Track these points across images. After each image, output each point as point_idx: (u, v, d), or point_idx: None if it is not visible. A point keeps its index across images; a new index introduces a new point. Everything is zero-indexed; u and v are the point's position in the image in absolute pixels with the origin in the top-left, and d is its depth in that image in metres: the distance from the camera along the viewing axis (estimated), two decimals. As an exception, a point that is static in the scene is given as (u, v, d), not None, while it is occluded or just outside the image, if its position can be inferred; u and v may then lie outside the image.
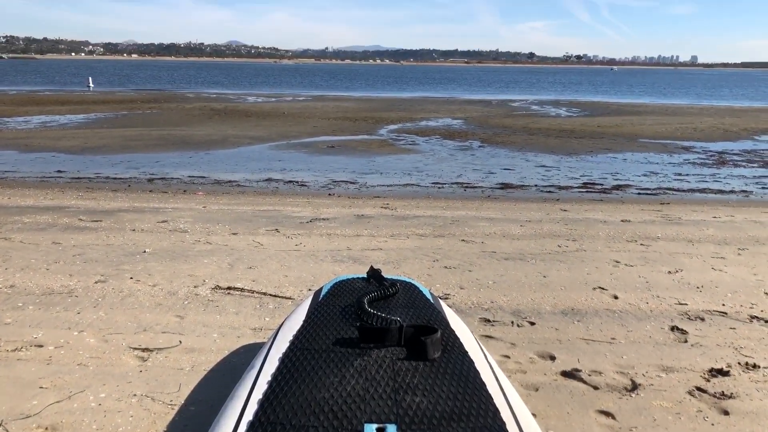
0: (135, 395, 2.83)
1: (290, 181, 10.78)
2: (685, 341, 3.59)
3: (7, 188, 9.40)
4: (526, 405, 1.49)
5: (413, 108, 28.54)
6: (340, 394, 1.42)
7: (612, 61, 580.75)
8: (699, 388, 3.00)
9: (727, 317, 3.99)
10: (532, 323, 3.83)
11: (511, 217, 7.46)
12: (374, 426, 1.27)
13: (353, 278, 2.42)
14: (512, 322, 3.84)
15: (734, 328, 3.79)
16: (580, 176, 11.71)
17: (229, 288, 4.38)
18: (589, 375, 3.13)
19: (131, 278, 4.56)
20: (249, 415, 1.34)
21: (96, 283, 4.43)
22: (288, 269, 4.89)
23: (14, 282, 4.42)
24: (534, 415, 2.17)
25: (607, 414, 2.75)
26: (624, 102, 37.29)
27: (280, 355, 1.71)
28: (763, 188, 10.92)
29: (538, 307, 4.14)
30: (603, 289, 4.53)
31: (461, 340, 1.83)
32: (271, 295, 4.26)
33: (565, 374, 3.14)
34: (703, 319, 3.93)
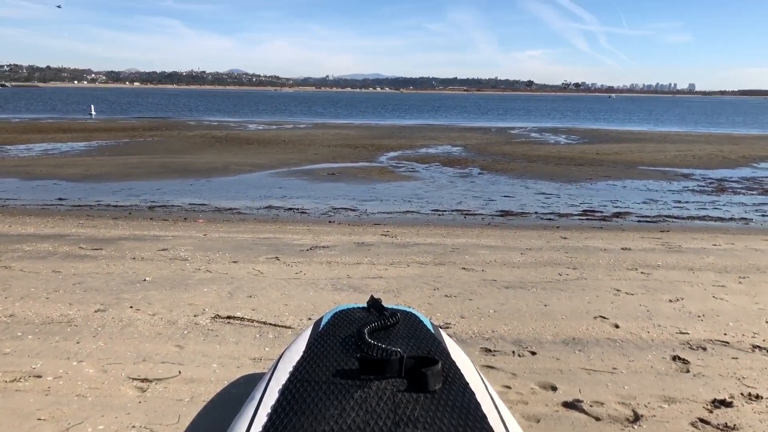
0: (134, 427, 2.80)
1: (291, 209, 10.81)
2: (687, 371, 3.57)
3: (8, 216, 9.42)
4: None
5: (413, 135, 28.72)
6: (340, 427, 1.41)
7: (610, 89, 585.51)
8: (702, 420, 2.98)
9: (729, 347, 3.97)
10: (533, 353, 3.82)
11: (511, 244, 7.46)
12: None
13: (353, 308, 2.41)
14: (513, 352, 3.82)
15: (736, 358, 3.77)
16: (580, 203, 11.74)
17: (228, 317, 4.36)
18: (591, 406, 3.11)
19: (131, 307, 4.55)
20: (249, 449, 1.33)
21: (96, 312, 4.42)
22: (288, 298, 4.88)
23: (14, 311, 4.41)
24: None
25: (609, 446, 2.73)
26: (623, 129, 37.51)
27: (280, 387, 1.70)
28: (762, 216, 10.93)
29: (539, 336, 4.12)
30: (604, 317, 4.51)
31: (462, 372, 1.82)
32: (271, 324, 4.25)
33: (567, 405, 3.12)
34: (705, 349, 3.91)
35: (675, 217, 10.57)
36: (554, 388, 3.31)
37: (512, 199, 12.13)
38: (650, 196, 12.78)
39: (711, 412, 3.07)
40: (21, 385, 3.21)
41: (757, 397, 3.23)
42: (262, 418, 1.50)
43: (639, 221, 10.20)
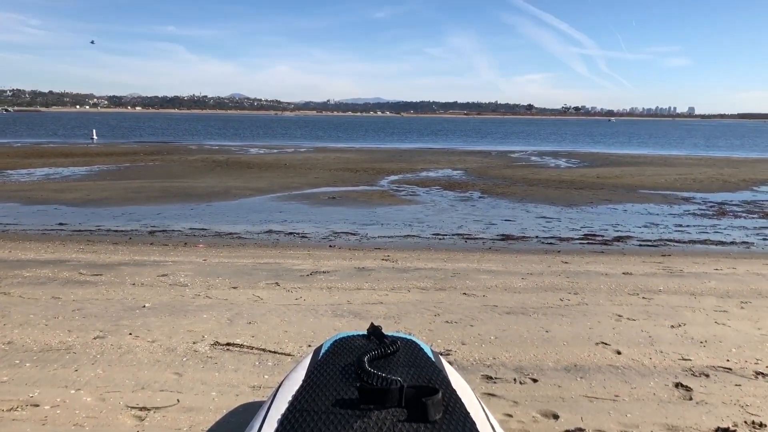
0: (131, 457, 2.77)
1: (291, 233, 10.81)
2: (690, 398, 3.54)
3: (9, 241, 9.42)
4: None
5: (414, 159, 28.82)
6: (340, 459, 1.39)
7: (610, 113, 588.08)
8: (706, 449, 2.94)
9: (732, 373, 3.94)
10: (535, 380, 3.79)
11: (512, 269, 7.44)
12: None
13: (353, 335, 2.40)
14: (514, 379, 3.79)
15: (739, 385, 3.74)
16: (581, 227, 11.73)
17: (228, 344, 4.34)
18: (594, 434, 3.07)
19: (130, 334, 4.53)
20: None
21: (95, 339, 4.40)
22: (288, 324, 4.86)
23: (12, 338, 4.39)
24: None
25: (612, 476, 2.69)
26: (623, 153, 37.65)
27: (279, 416, 1.69)
28: (764, 239, 10.91)
29: (541, 363, 4.09)
30: (606, 344, 4.49)
31: (463, 400, 1.81)
32: (270, 351, 4.22)
33: (569, 434, 3.09)
34: (707, 376, 3.88)
35: (676, 241, 10.55)
36: (556, 417, 3.28)
37: (513, 223, 12.13)
38: (651, 219, 12.78)
39: (715, 440, 3.03)
40: (18, 414, 3.19)
41: (761, 425, 3.20)
42: (261, 450, 1.48)
43: (640, 245, 10.19)
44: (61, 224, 11.32)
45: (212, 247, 9.29)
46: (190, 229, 11.08)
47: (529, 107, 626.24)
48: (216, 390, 3.55)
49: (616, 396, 3.56)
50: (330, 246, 9.74)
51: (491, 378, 3.82)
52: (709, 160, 31.18)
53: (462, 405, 1.75)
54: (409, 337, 2.41)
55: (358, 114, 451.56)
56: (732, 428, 3.16)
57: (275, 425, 1.62)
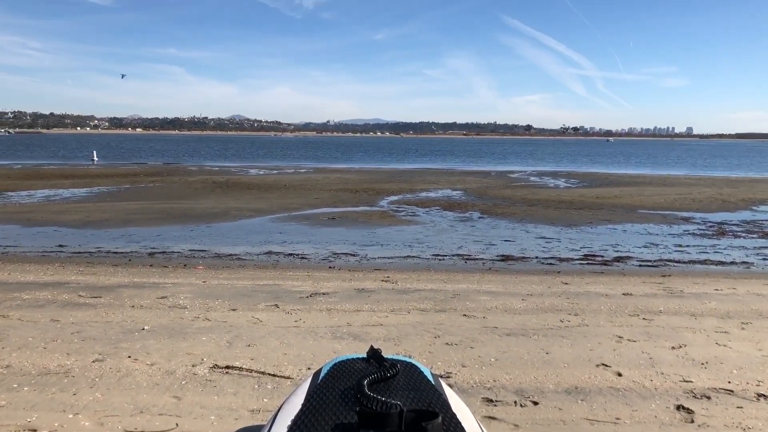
0: (129, 482, 2.75)
1: (291, 254, 10.80)
2: (692, 421, 3.52)
3: (8, 263, 9.40)
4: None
5: (413, 179, 28.89)
6: (338, 486, 1.38)
7: (608, 133, 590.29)
8: (708, 472, 2.92)
9: (734, 395, 3.92)
10: (536, 402, 3.77)
11: (512, 290, 7.43)
12: None
13: (353, 359, 2.40)
14: (515, 402, 3.77)
15: (741, 407, 3.72)
16: (581, 248, 11.72)
17: (227, 367, 4.32)
18: (595, 458, 3.05)
19: (129, 357, 4.51)
20: None
21: (93, 362, 4.38)
22: (287, 347, 4.84)
23: (10, 362, 4.37)
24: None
25: (614, 500, 2.67)
26: (622, 173, 37.74)
27: (279, 442, 1.67)
28: (764, 260, 10.91)
29: (541, 385, 4.07)
30: (606, 366, 4.47)
31: (463, 424, 1.80)
32: (269, 374, 4.20)
33: (571, 457, 3.07)
34: (709, 398, 3.86)
35: (676, 261, 10.55)
36: (557, 440, 3.26)
37: (513, 244, 12.13)
38: (651, 239, 12.78)
39: (717, 464, 3.01)
40: (16, 438, 3.17)
41: (764, 448, 3.18)
42: (259, 476, 1.47)
43: (640, 265, 10.18)
44: (60, 246, 11.31)
45: (212, 269, 9.27)
46: (190, 250, 11.07)
47: (528, 127, 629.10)
48: (215, 414, 3.53)
49: (618, 419, 3.54)
50: (330, 267, 9.73)
51: (492, 401, 3.80)
52: (708, 179, 31.26)
53: (462, 429, 1.74)
54: (408, 359, 2.41)
55: (358, 135, 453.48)
56: (734, 451, 3.14)
57: (274, 451, 1.61)
